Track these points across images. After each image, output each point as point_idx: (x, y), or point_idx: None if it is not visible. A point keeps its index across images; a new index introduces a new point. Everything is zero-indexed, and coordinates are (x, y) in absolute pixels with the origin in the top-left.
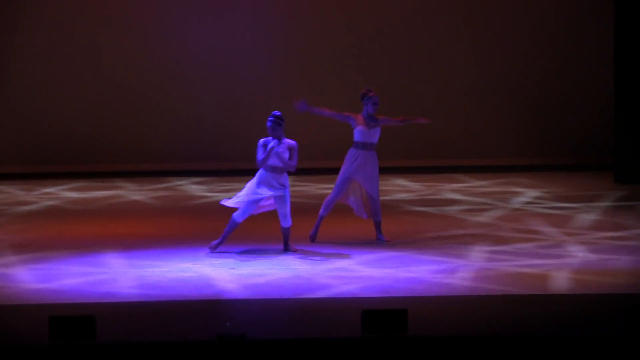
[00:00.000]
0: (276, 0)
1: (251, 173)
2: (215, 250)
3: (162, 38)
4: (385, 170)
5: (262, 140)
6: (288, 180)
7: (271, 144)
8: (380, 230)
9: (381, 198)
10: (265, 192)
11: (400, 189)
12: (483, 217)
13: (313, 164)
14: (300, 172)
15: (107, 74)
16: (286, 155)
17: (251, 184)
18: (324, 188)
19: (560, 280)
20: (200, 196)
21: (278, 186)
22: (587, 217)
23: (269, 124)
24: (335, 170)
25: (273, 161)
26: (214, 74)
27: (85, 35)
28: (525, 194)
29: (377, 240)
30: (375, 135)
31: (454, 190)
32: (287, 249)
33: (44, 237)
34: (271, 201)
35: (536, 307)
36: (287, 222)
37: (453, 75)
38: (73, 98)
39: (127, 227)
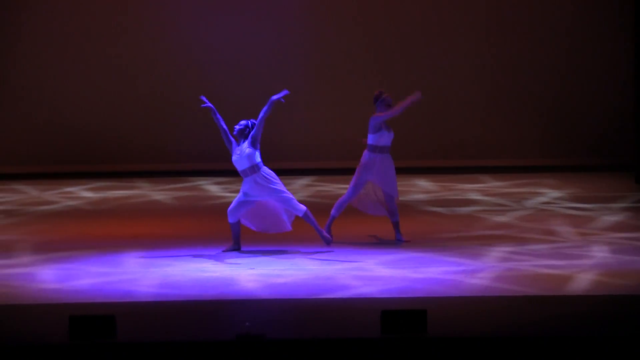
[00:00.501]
0: (294, 0)
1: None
2: (229, 251)
3: (183, 36)
4: (405, 171)
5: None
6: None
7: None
8: (399, 230)
9: (400, 198)
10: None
11: (420, 189)
12: (503, 218)
13: (328, 164)
14: (315, 172)
15: (128, 74)
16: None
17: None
18: (339, 188)
19: (580, 282)
20: (220, 196)
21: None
22: (608, 218)
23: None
24: (349, 171)
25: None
26: (235, 72)
27: (106, 34)
28: (546, 195)
29: (397, 241)
30: (390, 138)
31: (473, 190)
32: (325, 233)
33: (63, 237)
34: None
35: (556, 308)
36: (299, 210)
37: (473, 75)
38: (91, 97)
39: (147, 227)
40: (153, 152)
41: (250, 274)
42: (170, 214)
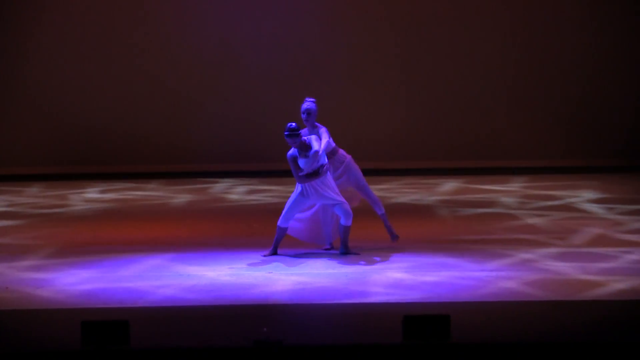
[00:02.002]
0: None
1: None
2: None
3: (200, 36)
4: (428, 171)
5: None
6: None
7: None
8: (388, 225)
9: (425, 199)
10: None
11: (444, 190)
12: (531, 220)
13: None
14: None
15: (146, 74)
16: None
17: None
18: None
19: (611, 287)
20: (237, 199)
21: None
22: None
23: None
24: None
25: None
26: (253, 73)
27: (120, 34)
28: (577, 196)
29: (392, 238)
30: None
31: (498, 191)
32: (347, 252)
33: (76, 239)
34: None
35: (584, 314)
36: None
37: (498, 75)
38: (102, 97)
39: (162, 229)
40: (167, 152)
41: (268, 279)
42: (186, 216)
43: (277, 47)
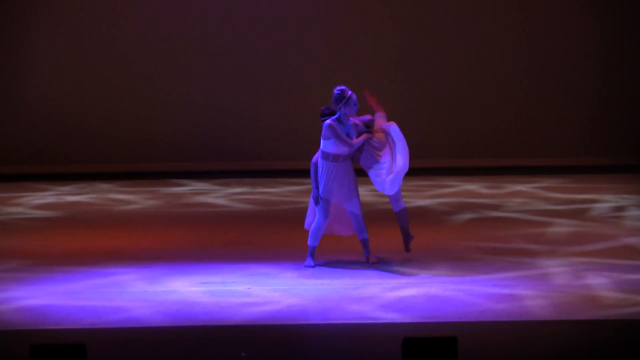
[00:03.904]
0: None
1: (270, 174)
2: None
3: (178, 33)
4: (433, 172)
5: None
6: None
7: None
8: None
9: (430, 201)
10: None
11: (452, 191)
12: (551, 227)
13: None
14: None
15: (100, 74)
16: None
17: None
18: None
19: (635, 305)
20: (212, 203)
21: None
22: None
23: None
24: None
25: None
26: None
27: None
28: (601, 200)
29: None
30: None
31: (517, 193)
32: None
33: (26, 250)
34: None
35: (608, 334)
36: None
37: (520, 71)
38: (67, 94)
39: (124, 238)
40: (131, 150)
41: (246, 295)
42: (153, 223)
43: (270, 46)
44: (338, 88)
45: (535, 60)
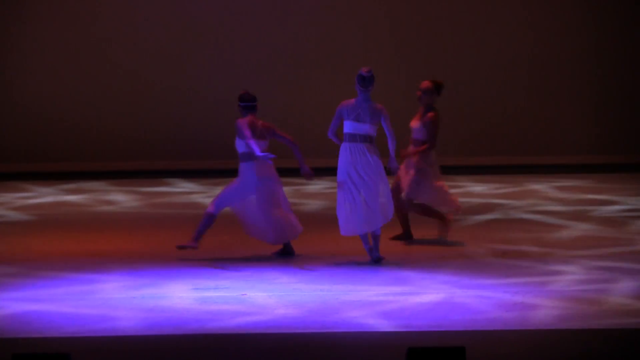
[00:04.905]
0: None
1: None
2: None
3: (171, 30)
4: (453, 170)
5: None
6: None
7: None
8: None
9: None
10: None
11: (462, 190)
12: (565, 230)
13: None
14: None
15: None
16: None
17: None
18: None
19: None
20: (202, 203)
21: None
22: None
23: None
24: None
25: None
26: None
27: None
28: (617, 202)
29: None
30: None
31: (530, 194)
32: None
33: (5, 253)
34: None
35: (629, 344)
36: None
37: (537, 68)
38: (55, 92)
39: (109, 241)
40: (118, 147)
41: (241, 301)
42: (140, 224)
43: (269, 44)
44: (369, 69)
45: (550, 56)
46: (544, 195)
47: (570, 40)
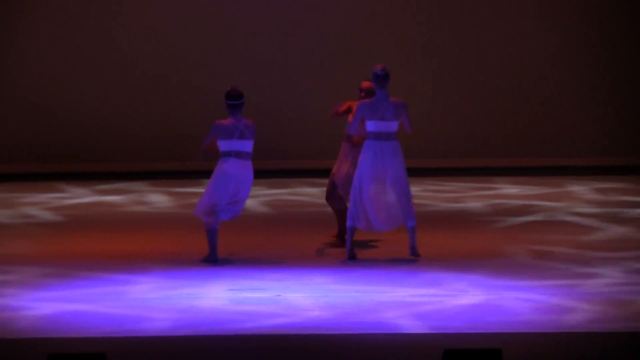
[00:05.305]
0: None
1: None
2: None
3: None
4: (471, 172)
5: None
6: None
7: None
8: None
9: (469, 204)
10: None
11: (493, 193)
12: (601, 232)
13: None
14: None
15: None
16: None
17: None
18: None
19: None
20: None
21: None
22: None
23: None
24: None
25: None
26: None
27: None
28: None
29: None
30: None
31: (563, 195)
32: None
33: (42, 253)
34: None
35: None
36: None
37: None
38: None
39: (144, 241)
40: (153, 148)
41: (276, 302)
42: (175, 225)
43: (287, 39)
44: (383, 66)
45: (598, 56)
46: (582, 197)
47: (612, 41)
